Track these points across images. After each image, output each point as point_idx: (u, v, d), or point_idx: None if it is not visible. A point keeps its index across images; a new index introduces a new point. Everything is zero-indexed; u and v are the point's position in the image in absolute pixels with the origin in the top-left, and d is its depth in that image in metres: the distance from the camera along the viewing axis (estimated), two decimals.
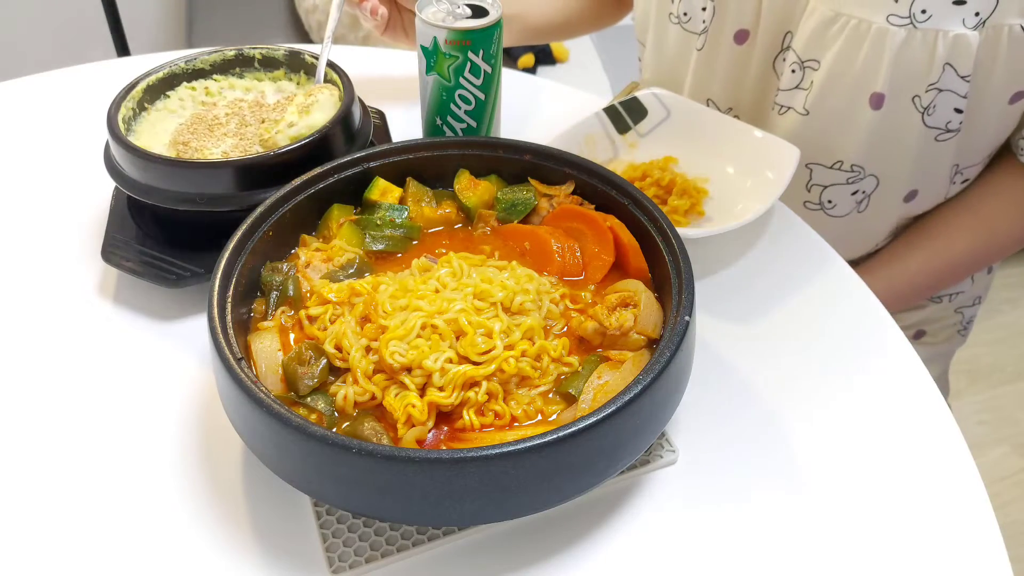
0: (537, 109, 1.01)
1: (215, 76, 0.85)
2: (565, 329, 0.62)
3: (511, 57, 2.12)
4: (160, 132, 0.79)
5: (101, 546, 0.57)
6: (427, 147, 0.73)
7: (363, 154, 0.71)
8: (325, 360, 0.58)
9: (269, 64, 0.86)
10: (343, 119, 0.76)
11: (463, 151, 0.73)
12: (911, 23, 0.77)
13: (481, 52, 0.78)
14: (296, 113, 0.76)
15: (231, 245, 0.62)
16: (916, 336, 1.06)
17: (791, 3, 0.84)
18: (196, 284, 0.73)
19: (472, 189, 0.72)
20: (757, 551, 0.58)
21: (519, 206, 0.70)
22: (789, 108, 0.89)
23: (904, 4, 0.76)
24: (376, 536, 0.57)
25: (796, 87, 0.87)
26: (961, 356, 1.25)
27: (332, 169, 0.70)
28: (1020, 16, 0.76)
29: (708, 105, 0.96)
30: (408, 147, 0.72)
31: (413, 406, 0.55)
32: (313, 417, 0.56)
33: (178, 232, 0.77)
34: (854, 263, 0.98)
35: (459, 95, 0.81)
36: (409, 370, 0.56)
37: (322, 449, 0.50)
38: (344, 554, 0.56)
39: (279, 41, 1.86)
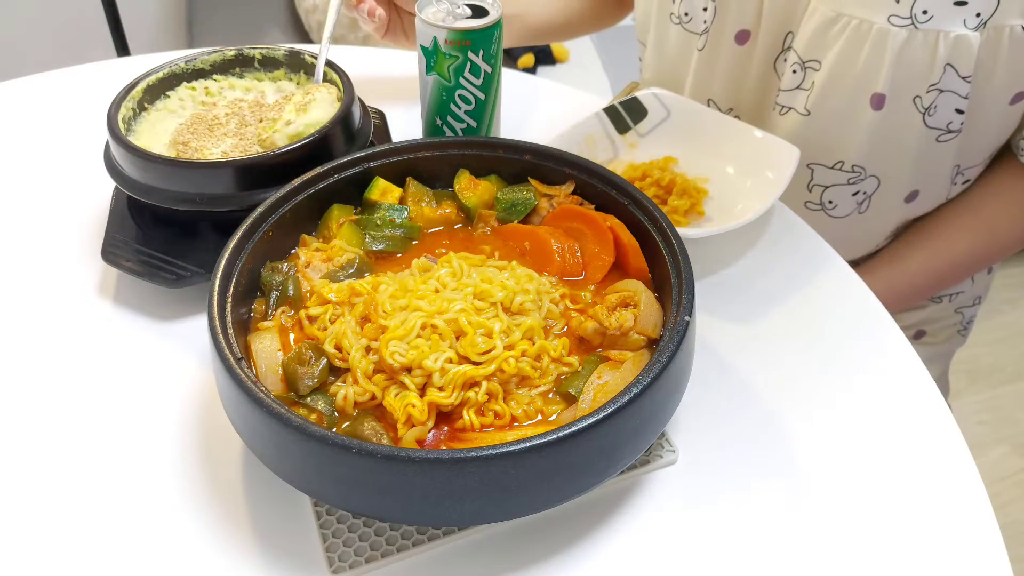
0: (537, 109, 1.01)
1: (215, 76, 0.85)
2: (565, 329, 0.62)
3: (511, 57, 2.11)
4: (160, 132, 0.79)
5: (101, 546, 0.57)
6: (427, 147, 0.73)
7: (363, 154, 0.71)
8: (325, 360, 0.58)
9: (269, 64, 0.86)
10: (343, 119, 0.76)
11: (463, 151, 0.73)
12: (912, 24, 0.77)
13: (481, 52, 0.78)
14: (294, 111, 0.76)
15: (231, 245, 0.62)
16: (916, 336, 1.06)
17: (792, 3, 0.84)
18: (196, 284, 0.73)
19: (472, 189, 0.72)
20: (757, 551, 0.58)
21: (519, 206, 0.70)
22: (790, 108, 0.89)
23: (905, 5, 0.76)
24: (376, 536, 0.57)
25: (797, 87, 0.87)
26: (961, 356, 1.26)
27: (332, 169, 0.70)
28: (1021, 17, 0.76)
29: (709, 105, 0.96)
30: (408, 147, 0.72)
31: (413, 406, 0.55)
32: (313, 417, 0.56)
33: (178, 232, 0.77)
34: (854, 263, 0.98)
35: (459, 95, 0.81)
36: (409, 370, 0.56)
37: (322, 449, 0.50)
38: (344, 554, 0.56)
39: (279, 41, 1.86)
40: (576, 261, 0.67)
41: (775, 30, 0.87)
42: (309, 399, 0.57)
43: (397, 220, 0.70)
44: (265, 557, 0.57)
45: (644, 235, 0.66)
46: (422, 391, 0.56)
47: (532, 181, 0.72)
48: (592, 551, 0.58)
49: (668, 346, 0.55)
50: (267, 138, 0.75)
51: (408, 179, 0.72)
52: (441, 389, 0.56)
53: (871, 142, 0.85)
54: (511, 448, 0.49)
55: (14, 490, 0.61)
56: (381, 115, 0.93)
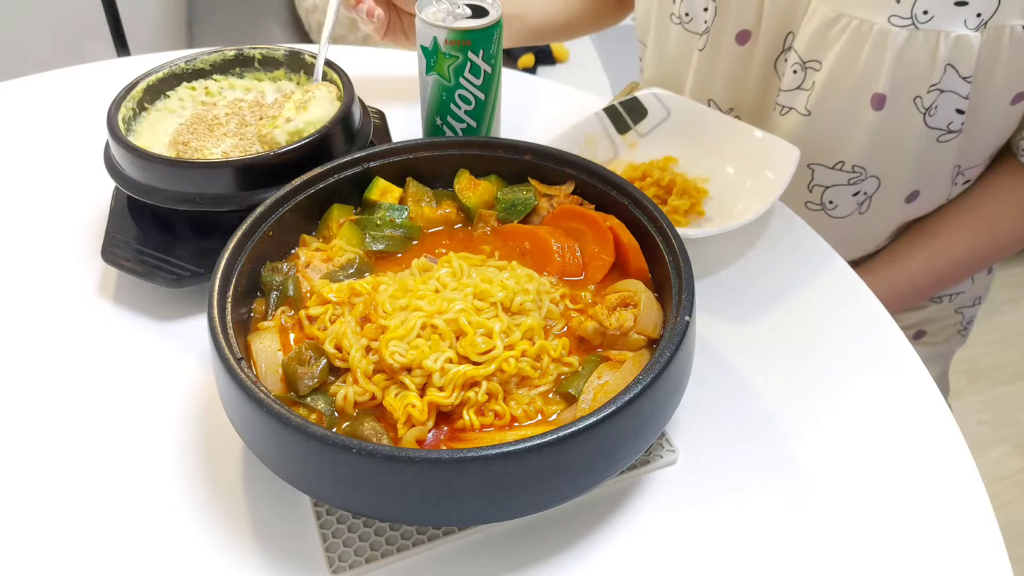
0: (537, 109, 1.01)
1: (215, 76, 0.85)
2: (565, 329, 0.62)
3: (511, 57, 2.11)
4: (160, 132, 0.79)
5: (101, 546, 0.57)
6: (427, 147, 0.73)
7: (363, 154, 0.71)
8: (325, 360, 0.58)
9: (269, 64, 0.86)
10: (343, 119, 0.76)
11: (463, 151, 0.73)
12: (913, 24, 0.77)
13: (481, 52, 0.78)
14: (294, 109, 0.76)
15: (231, 245, 0.62)
16: (916, 336, 1.06)
17: (793, 4, 0.84)
18: (196, 284, 0.73)
19: (472, 189, 0.72)
20: (757, 551, 0.58)
21: (519, 206, 0.70)
22: (791, 108, 0.89)
23: (906, 5, 0.76)
24: (376, 536, 0.57)
25: (798, 88, 0.87)
26: (961, 356, 1.26)
27: (332, 169, 0.70)
28: (1021, 17, 0.76)
29: (709, 105, 0.96)
30: (408, 147, 0.72)
31: (413, 406, 0.55)
32: (313, 417, 0.56)
33: (178, 232, 0.77)
34: (855, 263, 0.98)
35: (459, 95, 0.81)
36: (409, 370, 0.56)
37: (322, 449, 0.50)
38: (344, 554, 0.56)
39: (279, 41, 1.86)
40: (576, 261, 0.67)
41: (776, 30, 0.87)
42: (309, 399, 0.57)
43: (397, 220, 0.69)
44: (265, 557, 0.57)
45: (644, 235, 0.66)
46: (422, 391, 0.56)
47: (532, 181, 0.72)
48: (592, 551, 0.58)
49: (668, 346, 0.55)
50: (267, 134, 0.75)
51: (408, 179, 0.72)
52: (441, 389, 0.56)
53: (872, 142, 0.85)
54: (511, 448, 0.49)
55: (14, 490, 0.61)
56: (381, 115, 0.93)
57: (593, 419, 0.50)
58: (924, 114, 0.82)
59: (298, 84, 0.86)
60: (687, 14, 0.92)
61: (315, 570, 0.56)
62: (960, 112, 0.81)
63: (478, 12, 0.79)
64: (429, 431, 0.56)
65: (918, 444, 0.64)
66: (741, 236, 0.81)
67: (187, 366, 0.69)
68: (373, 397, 0.57)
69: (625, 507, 0.60)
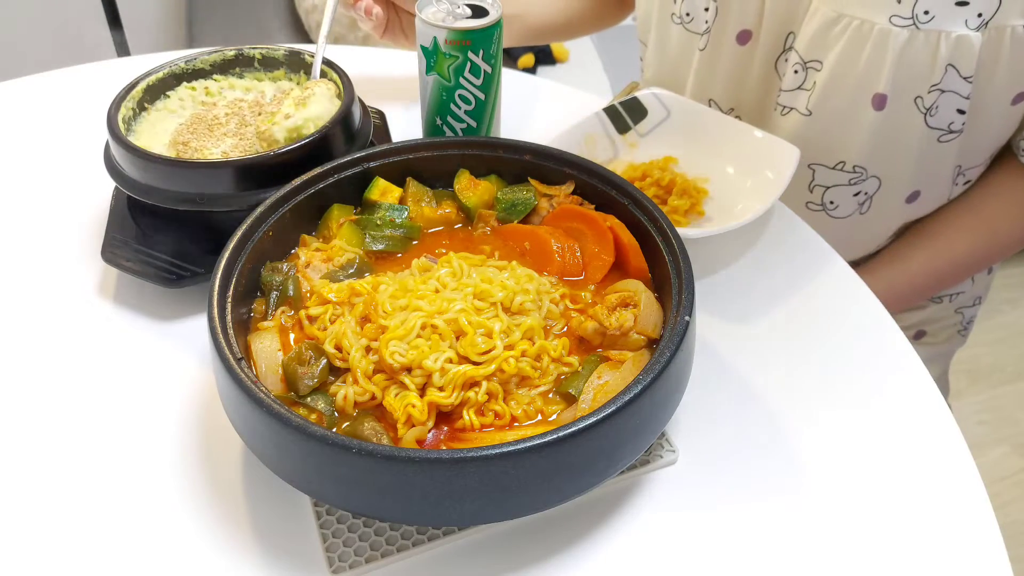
0: (537, 109, 1.01)
1: (215, 76, 0.85)
2: (565, 329, 0.62)
3: (511, 57, 2.11)
4: (160, 132, 0.79)
5: (101, 546, 0.57)
6: (427, 147, 0.73)
7: (363, 154, 0.71)
8: (325, 360, 0.58)
9: (269, 64, 0.86)
10: (343, 119, 0.76)
11: (463, 151, 0.73)
12: (913, 24, 0.77)
13: (481, 52, 0.78)
14: (293, 106, 0.76)
15: (231, 245, 0.62)
16: (916, 336, 1.06)
17: (794, 4, 0.84)
18: (196, 284, 0.73)
19: (472, 189, 0.72)
20: (757, 551, 0.58)
21: (519, 206, 0.70)
22: (791, 109, 0.89)
23: (907, 5, 0.76)
24: (376, 536, 0.57)
25: (798, 88, 0.87)
26: (961, 356, 1.26)
27: (332, 169, 0.69)
28: (1022, 17, 0.76)
29: (710, 105, 0.96)
30: (408, 147, 0.72)
31: (413, 406, 0.55)
32: (313, 417, 0.56)
33: (178, 232, 0.77)
34: (855, 264, 0.98)
35: (459, 95, 0.81)
36: (409, 370, 0.56)
37: (322, 449, 0.50)
38: (344, 554, 0.56)
39: (279, 41, 1.86)
40: (576, 261, 0.67)
41: (776, 30, 0.87)
42: (309, 399, 0.57)
43: (397, 220, 0.69)
44: (265, 557, 0.57)
45: (644, 235, 0.66)
46: (422, 391, 0.56)
47: (532, 181, 0.72)
48: (592, 551, 0.58)
49: (668, 346, 0.55)
50: (266, 130, 0.74)
51: (408, 179, 0.72)
52: (441, 389, 0.56)
53: (872, 142, 0.85)
54: (511, 448, 0.49)
55: (14, 490, 0.61)
56: (381, 115, 0.93)
57: (593, 419, 0.50)
58: (925, 114, 0.82)
59: (298, 84, 0.86)
60: (688, 14, 0.92)
61: (315, 570, 0.56)
62: (961, 112, 0.81)
63: (478, 12, 0.79)
64: (429, 431, 0.56)
65: (918, 444, 0.64)
66: (741, 236, 0.81)
67: (187, 366, 0.69)
68: (373, 397, 0.57)
69: (625, 507, 0.60)
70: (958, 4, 0.75)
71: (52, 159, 0.92)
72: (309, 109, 0.75)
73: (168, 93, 0.83)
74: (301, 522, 0.58)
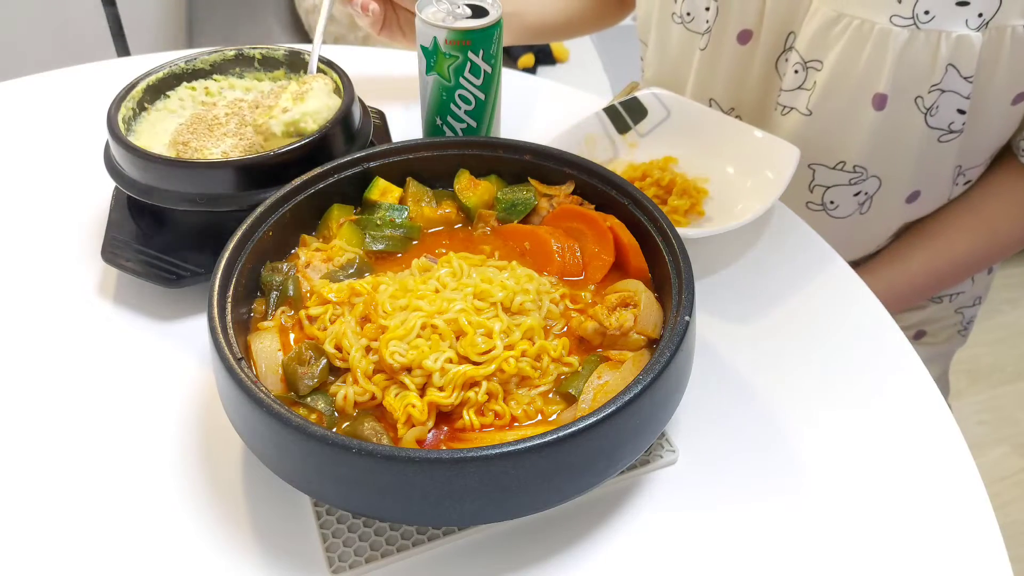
0: (537, 109, 1.01)
1: (215, 76, 0.85)
2: (565, 329, 0.62)
3: (511, 57, 2.11)
4: (160, 132, 0.79)
5: (101, 546, 0.57)
6: (427, 147, 0.73)
7: (363, 154, 0.71)
8: (325, 360, 0.58)
9: (269, 64, 0.86)
10: (343, 119, 0.76)
11: (463, 151, 0.73)
12: (914, 24, 0.77)
13: (481, 52, 0.78)
14: (291, 100, 0.76)
15: (231, 245, 0.62)
16: (916, 336, 1.06)
17: (794, 3, 0.84)
18: (196, 284, 0.73)
19: (472, 189, 0.72)
20: (757, 551, 0.58)
21: (519, 206, 0.70)
22: (792, 108, 0.89)
23: (907, 5, 0.76)
24: (376, 536, 0.57)
25: (799, 87, 0.87)
26: (961, 356, 1.26)
27: (332, 169, 0.70)
28: (1022, 17, 0.76)
29: (711, 105, 0.96)
30: (408, 147, 0.72)
31: (413, 406, 0.55)
32: (313, 417, 0.56)
33: (178, 232, 0.77)
34: (855, 264, 0.98)
35: (459, 95, 0.81)
36: (409, 370, 0.56)
37: (322, 449, 0.50)
38: (344, 554, 0.56)
39: (279, 41, 1.86)
40: (576, 261, 0.67)
41: (777, 30, 0.87)
42: (309, 399, 0.57)
43: (397, 220, 0.69)
44: (265, 557, 0.57)
45: (644, 235, 0.66)
46: (422, 391, 0.56)
47: (532, 181, 0.72)
48: (592, 551, 0.58)
49: (668, 346, 0.55)
50: (263, 124, 0.74)
51: (408, 179, 0.72)
52: (441, 389, 0.56)
53: (873, 142, 0.85)
54: (511, 448, 0.49)
55: (14, 490, 0.61)
56: (381, 115, 0.93)
57: (593, 419, 0.50)
58: (925, 114, 0.82)
59: (295, 79, 0.85)
60: (688, 14, 0.92)
61: (315, 570, 0.56)
62: (961, 112, 0.81)
63: (478, 12, 0.79)
64: (429, 431, 0.55)
65: (918, 444, 0.64)
66: (741, 236, 0.81)
67: (187, 366, 0.69)
68: (373, 397, 0.57)
69: (625, 507, 0.60)
70: (958, 4, 0.75)
71: (52, 159, 0.92)
72: (307, 104, 0.75)
73: (168, 93, 0.83)
74: (301, 522, 0.58)
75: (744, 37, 0.89)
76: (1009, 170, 0.91)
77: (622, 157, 0.87)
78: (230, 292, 0.60)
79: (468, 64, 0.79)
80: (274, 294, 0.63)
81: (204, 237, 0.75)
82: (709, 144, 0.86)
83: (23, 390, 0.68)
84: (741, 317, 0.75)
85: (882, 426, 0.66)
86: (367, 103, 0.85)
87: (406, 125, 0.94)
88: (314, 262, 0.66)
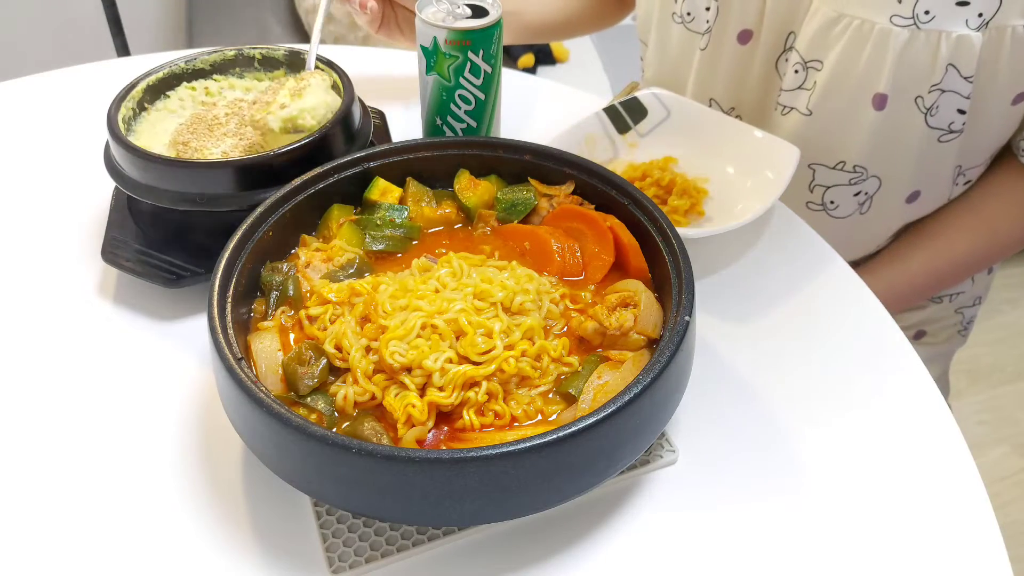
0: (537, 109, 1.01)
1: (215, 76, 0.85)
2: (565, 329, 0.62)
3: (511, 57, 2.11)
4: (160, 132, 0.79)
5: (101, 546, 0.57)
6: (427, 147, 0.73)
7: (363, 154, 0.71)
8: (325, 360, 0.58)
9: (269, 64, 0.86)
10: (343, 119, 0.76)
11: (463, 151, 0.73)
12: (914, 24, 0.77)
13: (481, 52, 0.78)
14: (288, 96, 0.76)
15: (231, 245, 0.62)
16: (916, 336, 1.06)
17: (795, 3, 0.84)
18: (196, 284, 0.73)
19: (472, 189, 0.72)
20: (757, 550, 0.58)
21: (519, 206, 0.70)
22: (792, 108, 0.89)
23: (907, 5, 0.76)
24: (376, 536, 0.57)
25: (799, 87, 0.87)
26: (961, 356, 1.26)
27: (332, 169, 0.70)
28: (1023, 17, 0.76)
29: (711, 105, 0.96)
30: (408, 147, 0.72)
31: (413, 406, 0.55)
32: (313, 417, 0.56)
33: (178, 232, 0.77)
34: (855, 264, 0.98)
35: (459, 95, 0.81)
36: (409, 370, 0.56)
37: (322, 449, 0.50)
38: (344, 554, 0.56)
39: (279, 41, 1.86)
40: (576, 261, 0.67)
41: (777, 30, 0.87)
42: (309, 399, 0.57)
43: (397, 220, 0.69)
44: (265, 557, 0.57)
45: (644, 235, 0.65)
46: (422, 391, 0.56)
47: (532, 181, 0.72)
48: (592, 551, 0.58)
49: (668, 346, 0.55)
50: (260, 119, 0.74)
51: (408, 179, 0.72)
52: (441, 389, 0.56)
53: (873, 142, 0.85)
54: (511, 448, 0.49)
55: (14, 490, 0.61)
56: (381, 115, 0.93)
57: (593, 419, 0.50)
58: (925, 114, 0.82)
59: (293, 76, 0.85)
60: (689, 13, 0.92)
61: (315, 570, 0.56)
62: (961, 112, 0.81)
63: (478, 12, 0.79)
64: (429, 431, 0.55)
65: (918, 444, 0.64)
66: (741, 236, 0.81)
67: (187, 366, 0.69)
68: (373, 397, 0.57)
69: (625, 507, 0.60)
70: (959, 4, 0.75)
71: (52, 159, 0.92)
72: (304, 100, 0.75)
73: (168, 93, 0.83)
74: (301, 522, 0.58)
75: (744, 37, 0.89)
76: (1009, 170, 0.91)
77: (622, 157, 0.87)
78: (230, 292, 0.60)
79: (468, 64, 0.79)
80: (274, 294, 0.63)
81: (204, 237, 0.75)
82: (709, 144, 0.86)
83: (23, 390, 0.68)
84: (741, 317, 0.75)
85: (882, 426, 0.66)
86: (367, 103, 0.85)
87: (406, 125, 0.94)
88: (314, 262, 0.66)
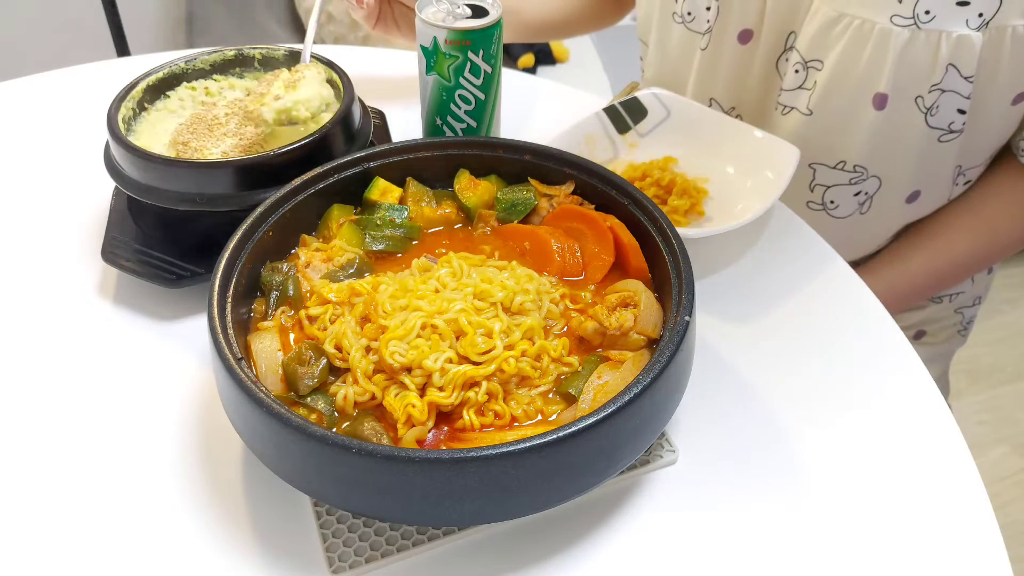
0: (537, 109, 1.01)
1: (215, 76, 0.85)
2: (565, 329, 0.62)
3: (511, 57, 2.12)
4: (160, 132, 0.79)
5: (101, 546, 0.57)
6: (427, 147, 0.73)
7: (363, 154, 0.71)
8: (325, 360, 0.58)
9: (269, 64, 0.86)
10: (343, 119, 0.76)
11: (463, 151, 0.73)
12: (915, 24, 0.77)
13: (481, 52, 0.78)
14: (283, 87, 0.76)
15: (231, 245, 0.62)
16: (916, 336, 1.06)
17: (795, 3, 0.84)
18: (196, 284, 0.73)
19: (472, 189, 0.72)
20: (757, 550, 0.58)
21: (519, 206, 0.70)
22: (792, 108, 0.89)
23: (908, 5, 0.76)
24: (376, 536, 0.57)
25: (799, 87, 0.87)
26: (961, 356, 1.26)
27: (332, 169, 0.70)
28: (1023, 17, 0.76)
29: (711, 105, 0.96)
30: (408, 147, 0.72)
31: (413, 406, 0.55)
32: (313, 417, 0.56)
33: (178, 232, 0.77)
34: (855, 264, 0.98)
35: (459, 95, 0.81)
36: (409, 370, 0.56)
37: (322, 449, 0.50)
38: (344, 554, 0.56)
39: (279, 41, 1.86)
40: (576, 261, 0.67)
41: (778, 29, 0.87)
42: (309, 399, 0.57)
43: (397, 220, 0.69)
44: (265, 557, 0.57)
45: (644, 235, 0.65)
46: (422, 391, 0.56)
47: (532, 181, 0.72)
48: (592, 551, 0.58)
49: (668, 346, 0.55)
50: (254, 110, 0.74)
51: (408, 179, 0.72)
52: (441, 389, 0.56)
53: (873, 142, 0.85)
54: (511, 448, 0.49)
55: (14, 490, 0.61)
56: (381, 115, 0.93)
57: (593, 419, 0.50)
58: (925, 114, 0.82)
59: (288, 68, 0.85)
60: (689, 13, 0.92)
61: (315, 570, 0.56)
62: (961, 112, 0.81)
63: (478, 12, 0.79)
64: (429, 431, 0.55)
65: (918, 444, 0.64)
66: (741, 236, 0.81)
67: (187, 366, 0.69)
68: (373, 397, 0.57)
69: (625, 507, 0.60)
70: (959, 4, 0.75)
71: (52, 159, 0.92)
72: (299, 92, 0.75)
73: (168, 93, 0.83)
74: (301, 522, 0.58)
75: (745, 37, 0.89)
76: (1009, 170, 0.91)
77: (622, 157, 0.87)
78: (230, 292, 0.60)
79: (468, 64, 0.79)
80: (274, 294, 0.63)
81: (204, 237, 0.75)
82: (709, 144, 0.86)
83: (23, 390, 0.68)
84: (741, 317, 0.75)
85: (882, 426, 0.66)
86: (367, 103, 0.85)
87: (406, 125, 0.94)
88: (314, 262, 0.66)
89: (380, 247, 0.68)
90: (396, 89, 1.02)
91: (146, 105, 0.81)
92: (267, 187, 0.70)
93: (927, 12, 0.76)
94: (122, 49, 1.87)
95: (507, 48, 1.67)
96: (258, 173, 0.71)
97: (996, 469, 1.74)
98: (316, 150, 0.73)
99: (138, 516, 0.59)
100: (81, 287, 0.76)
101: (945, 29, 0.76)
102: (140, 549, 0.57)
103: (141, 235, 0.77)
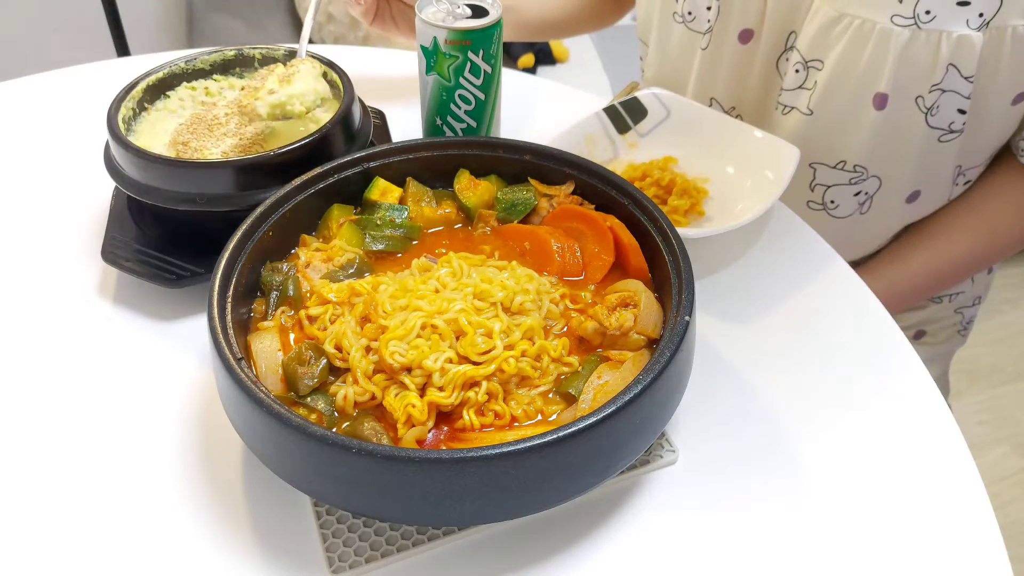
0: (537, 109, 1.01)
1: (215, 76, 0.85)
2: (565, 329, 0.62)
3: (511, 57, 2.11)
4: (160, 132, 0.79)
5: (101, 546, 0.57)
6: (427, 147, 0.73)
7: (363, 154, 0.71)
8: (325, 360, 0.58)
9: (269, 64, 0.86)
10: (343, 119, 0.76)
11: (463, 151, 0.73)
12: (915, 23, 0.77)
13: (481, 52, 0.78)
14: (277, 82, 0.76)
15: (231, 245, 0.62)
16: (916, 336, 1.06)
17: (796, 3, 0.84)
18: (196, 284, 0.73)
19: (472, 189, 0.72)
20: (757, 550, 0.58)
21: (519, 206, 0.70)
22: (793, 108, 0.89)
23: (908, 5, 0.76)
24: (376, 536, 0.57)
25: (800, 87, 0.87)
26: (961, 356, 1.26)
27: (332, 169, 0.70)
28: (1023, 17, 0.76)
29: (711, 105, 0.96)
30: (408, 147, 0.72)
31: (413, 406, 0.55)
32: (313, 417, 0.56)
33: (178, 232, 0.77)
34: (855, 264, 0.98)
35: (459, 95, 0.81)
36: (409, 370, 0.56)
37: (322, 449, 0.50)
38: (344, 554, 0.56)
39: (279, 41, 1.86)
40: (576, 261, 0.67)
41: (778, 29, 0.87)
42: (309, 399, 0.57)
43: (397, 220, 0.69)
44: (265, 557, 0.57)
45: (644, 235, 0.65)
46: (422, 391, 0.56)
47: (532, 181, 0.72)
48: (592, 551, 0.58)
49: (668, 346, 0.55)
50: (248, 105, 0.74)
51: (408, 179, 0.72)
52: (441, 389, 0.56)
53: (873, 142, 0.85)
54: (511, 448, 0.49)
55: (14, 490, 0.61)
56: (381, 115, 0.93)
57: (593, 419, 0.50)
58: (926, 114, 0.82)
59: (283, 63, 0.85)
60: (690, 13, 0.92)
61: (315, 570, 0.56)
62: (962, 112, 0.81)
63: (478, 12, 0.79)
64: (429, 431, 0.55)
65: (918, 444, 0.64)
66: (741, 236, 0.81)
67: (187, 366, 0.69)
68: (373, 397, 0.57)
69: (625, 507, 0.60)
70: (959, 4, 0.75)
71: (52, 159, 0.92)
72: (293, 86, 0.75)
73: (168, 93, 0.83)
74: (301, 522, 0.58)
75: (745, 36, 0.89)
76: (1009, 170, 0.91)
77: (622, 157, 0.87)
78: (230, 292, 0.60)
79: (468, 64, 0.79)
80: (274, 294, 0.63)
81: (204, 237, 0.75)
82: (709, 144, 0.86)
83: (23, 390, 0.68)
84: (741, 317, 0.75)
85: (882, 426, 0.66)
86: (367, 103, 0.85)
87: (406, 125, 0.94)
88: (314, 262, 0.66)
89: (380, 247, 0.68)
90: (396, 89, 1.02)
91: (146, 105, 0.81)
92: (267, 187, 0.70)
93: (927, 12, 0.76)
94: (122, 49, 1.87)
95: (507, 48, 1.68)
96: (258, 173, 0.71)
97: (996, 469, 1.74)
98: (316, 150, 0.73)
99: (138, 516, 0.59)
100: (81, 287, 0.76)
101: (945, 29, 0.76)
102: (140, 549, 0.57)
103: (141, 235, 0.77)
